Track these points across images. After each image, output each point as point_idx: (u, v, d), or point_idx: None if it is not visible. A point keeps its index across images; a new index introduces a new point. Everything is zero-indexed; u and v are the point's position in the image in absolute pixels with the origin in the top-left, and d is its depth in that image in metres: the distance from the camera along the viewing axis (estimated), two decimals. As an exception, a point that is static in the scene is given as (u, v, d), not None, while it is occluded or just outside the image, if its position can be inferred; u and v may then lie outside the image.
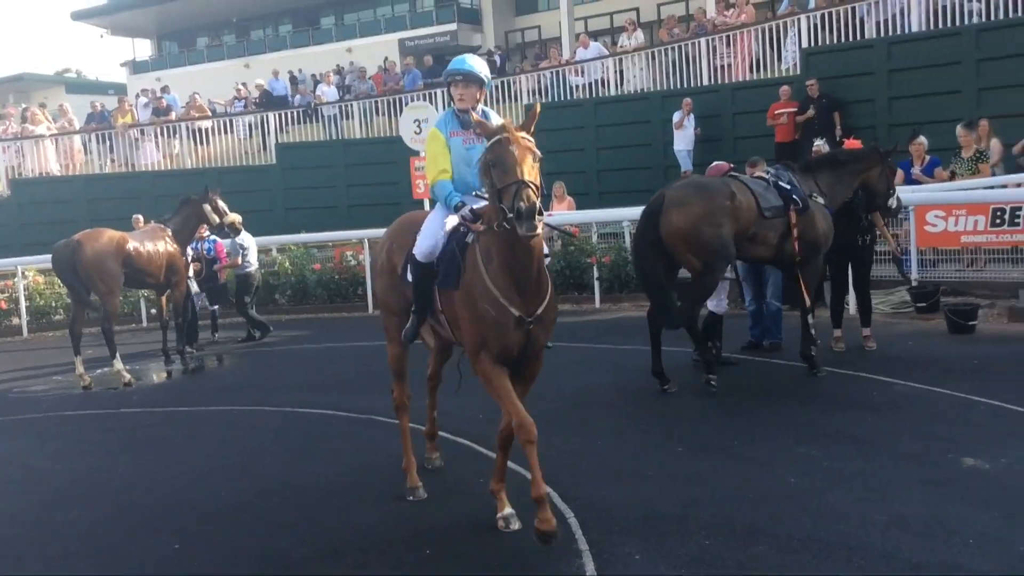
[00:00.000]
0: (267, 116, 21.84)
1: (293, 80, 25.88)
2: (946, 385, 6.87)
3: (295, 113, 22.24)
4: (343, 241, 15.37)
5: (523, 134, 4.28)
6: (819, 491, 4.91)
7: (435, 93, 20.71)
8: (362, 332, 11.91)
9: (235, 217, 11.37)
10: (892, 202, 8.29)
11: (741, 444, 5.84)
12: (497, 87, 20.54)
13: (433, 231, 4.87)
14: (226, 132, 22.04)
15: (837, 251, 8.32)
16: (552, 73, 19.98)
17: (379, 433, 6.84)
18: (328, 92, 22.52)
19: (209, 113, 22.90)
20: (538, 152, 4.26)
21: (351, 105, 21.66)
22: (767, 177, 7.78)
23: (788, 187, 7.56)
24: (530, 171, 4.15)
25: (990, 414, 6.12)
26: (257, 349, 11.72)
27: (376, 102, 21.44)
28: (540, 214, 4.04)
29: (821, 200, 7.78)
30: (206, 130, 21.95)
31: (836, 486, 4.98)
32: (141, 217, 13.60)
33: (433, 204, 5.19)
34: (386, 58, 26.81)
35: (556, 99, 19.54)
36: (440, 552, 4.54)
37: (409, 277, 5.05)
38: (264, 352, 11.44)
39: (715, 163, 8.53)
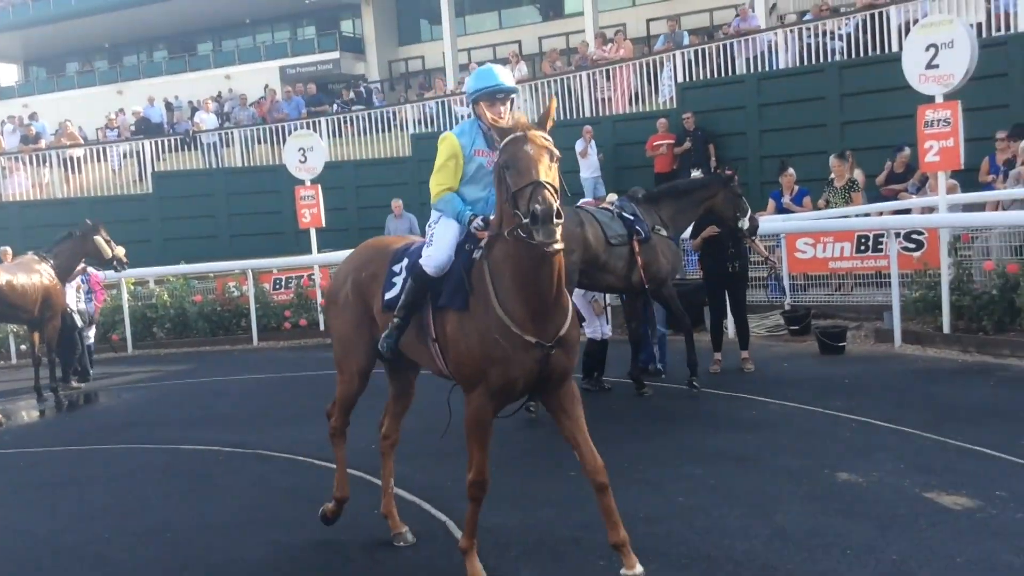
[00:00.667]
0: (143, 144, 21.21)
1: (169, 107, 25.23)
2: (819, 403, 7.22)
3: (172, 141, 21.67)
4: (225, 272, 15.02)
5: (539, 132, 3.87)
6: (706, 509, 5.09)
7: (319, 121, 20.59)
8: (247, 365, 11.68)
9: (122, 250, 10.97)
10: (743, 223, 8.39)
11: (632, 467, 5.98)
12: (379, 116, 20.58)
13: (448, 243, 4.32)
14: (99, 160, 21.27)
15: (712, 278, 8.72)
16: (437, 103, 20.14)
17: (268, 468, 6.72)
18: (207, 119, 22.05)
19: (81, 140, 22.06)
20: (556, 151, 3.85)
21: (232, 133, 21.27)
22: (611, 208, 8.09)
23: (631, 218, 7.86)
24: (547, 172, 3.72)
25: (861, 430, 6.46)
26: (137, 385, 11.30)
27: (258, 130, 21.12)
28: (559, 218, 3.59)
29: (664, 232, 8.04)
30: (78, 158, 21.14)
31: (721, 503, 5.17)
32: (10, 249, 12.97)
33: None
34: (266, 86, 26.45)
35: (442, 129, 19.67)
36: (335, 585, 4.49)
37: (388, 296, 4.52)
38: (144, 388, 11.05)
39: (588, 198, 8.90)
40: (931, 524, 4.63)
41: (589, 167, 16.79)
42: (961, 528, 4.52)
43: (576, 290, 8.20)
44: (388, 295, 4.55)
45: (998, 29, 13.51)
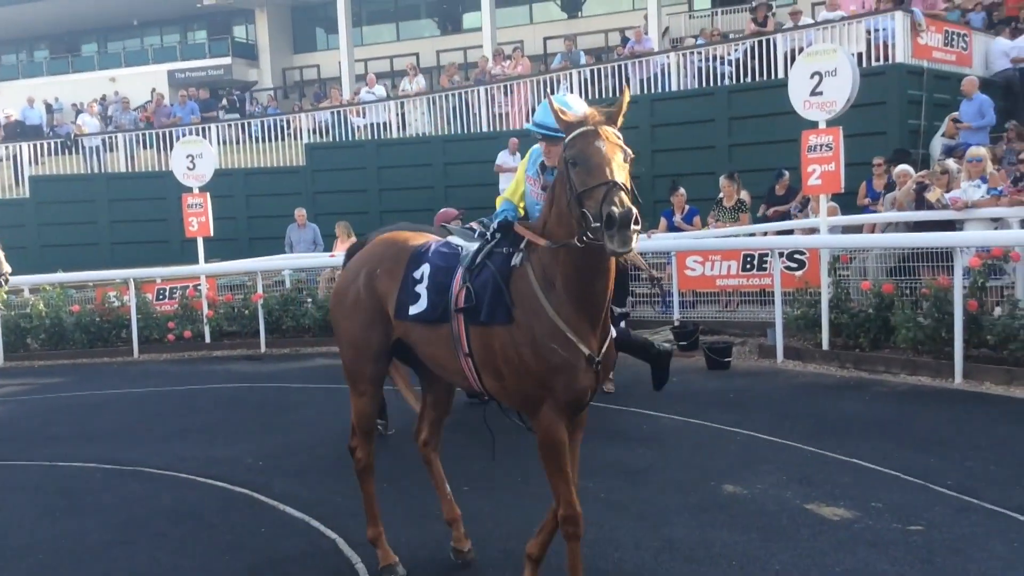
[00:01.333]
0: (20, 147, 20.23)
1: (49, 109, 24.17)
2: (707, 417, 7.39)
3: (52, 144, 20.75)
4: (106, 281, 14.38)
5: (611, 128, 3.52)
6: (597, 522, 5.13)
7: (209, 128, 20.06)
8: (127, 378, 11.22)
9: (9, 268, 10.31)
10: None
11: (524, 482, 5.99)
12: (273, 125, 20.19)
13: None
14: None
15: None
16: (332, 114, 19.90)
17: (150, 486, 6.44)
18: (90, 123, 21.21)
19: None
20: (629, 150, 3.50)
21: (116, 137, 20.51)
22: (476, 227, 8.06)
23: None
24: (622, 172, 3.38)
25: (747, 443, 6.64)
26: (8, 399, 10.70)
27: (143, 135, 20.44)
28: (637, 224, 3.25)
29: None
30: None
31: (612, 516, 5.22)
32: None
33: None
34: (154, 90, 25.64)
35: (337, 139, 19.47)
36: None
37: (414, 311, 4.18)
38: (17, 402, 10.47)
39: (443, 209, 8.87)
40: (812, 535, 4.78)
41: (510, 180, 16.70)
42: (840, 538, 4.68)
43: None
44: (414, 309, 4.17)
45: (877, 59, 14.17)
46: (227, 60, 31.62)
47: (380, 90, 20.78)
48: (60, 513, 5.96)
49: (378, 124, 19.28)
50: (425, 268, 4.21)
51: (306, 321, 12.55)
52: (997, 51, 15.21)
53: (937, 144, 13.30)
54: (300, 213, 15.23)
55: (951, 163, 10.39)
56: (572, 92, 17.17)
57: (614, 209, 3.19)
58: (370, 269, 4.48)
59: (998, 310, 8.42)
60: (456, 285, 4.04)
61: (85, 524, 5.68)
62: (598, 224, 3.27)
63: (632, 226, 3.20)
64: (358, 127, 19.50)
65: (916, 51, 14.11)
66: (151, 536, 5.36)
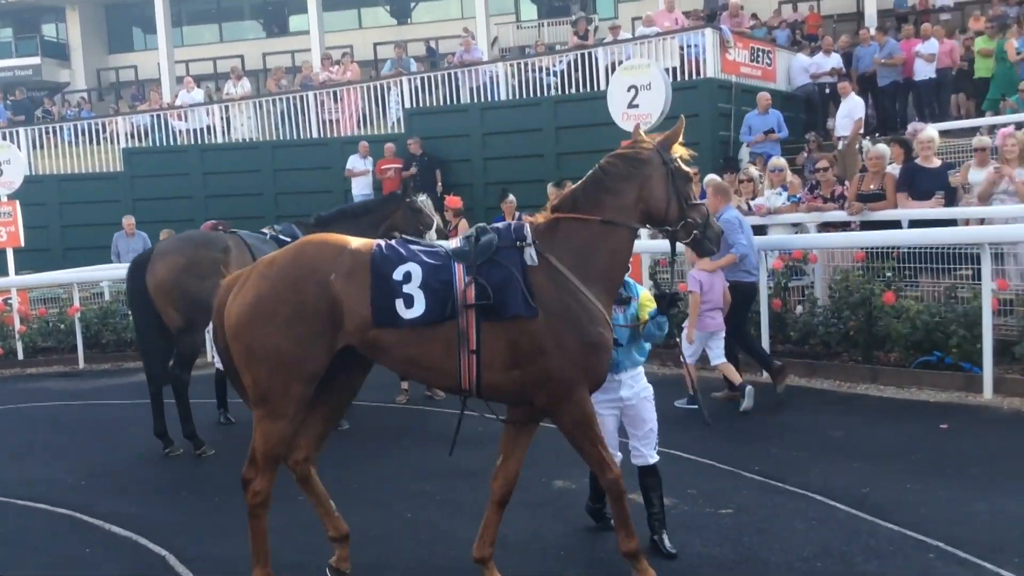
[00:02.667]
0: None
1: None
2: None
3: None
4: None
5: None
6: (434, 523, 5.27)
7: (17, 132, 18.88)
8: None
9: None
10: (430, 236, 8.42)
11: (362, 488, 6.04)
12: (86, 129, 19.20)
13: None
14: None
15: None
16: (152, 117, 19.12)
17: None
18: None
19: None
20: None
21: (-91, 140, 18.92)
22: (267, 232, 8.09)
23: (289, 240, 7.93)
24: None
25: (575, 441, 6.91)
26: None
27: (-58, 138, 18.97)
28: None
29: None
30: None
31: (449, 516, 5.37)
32: None
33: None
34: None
35: (158, 144, 18.73)
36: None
37: (410, 314, 3.98)
38: None
39: (207, 222, 8.91)
40: (634, 522, 5.07)
41: (363, 184, 16.42)
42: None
43: None
44: (409, 312, 3.99)
45: (690, 74, 15.01)
46: (36, 60, 29.78)
47: (199, 93, 20.13)
48: None
49: (201, 128, 18.67)
50: (412, 268, 4.06)
51: (128, 334, 12.02)
52: (798, 67, 16.42)
53: (745, 154, 14.23)
54: (128, 221, 14.53)
55: (754, 170, 11.16)
56: (403, 98, 17.27)
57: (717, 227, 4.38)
58: (320, 277, 4.07)
59: (799, 308, 9.14)
60: (460, 282, 4.03)
61: None
62: (699, 231, 4.20)
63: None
64: (180, 131, 18.82)
65: (725, 66, 15.04)
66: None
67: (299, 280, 4.08)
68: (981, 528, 4.76)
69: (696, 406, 7.10)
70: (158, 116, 19.06)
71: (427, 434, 7.57)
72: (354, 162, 16.58)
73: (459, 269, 4.06)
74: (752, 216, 10.27)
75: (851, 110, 13.55)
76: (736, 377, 7.67)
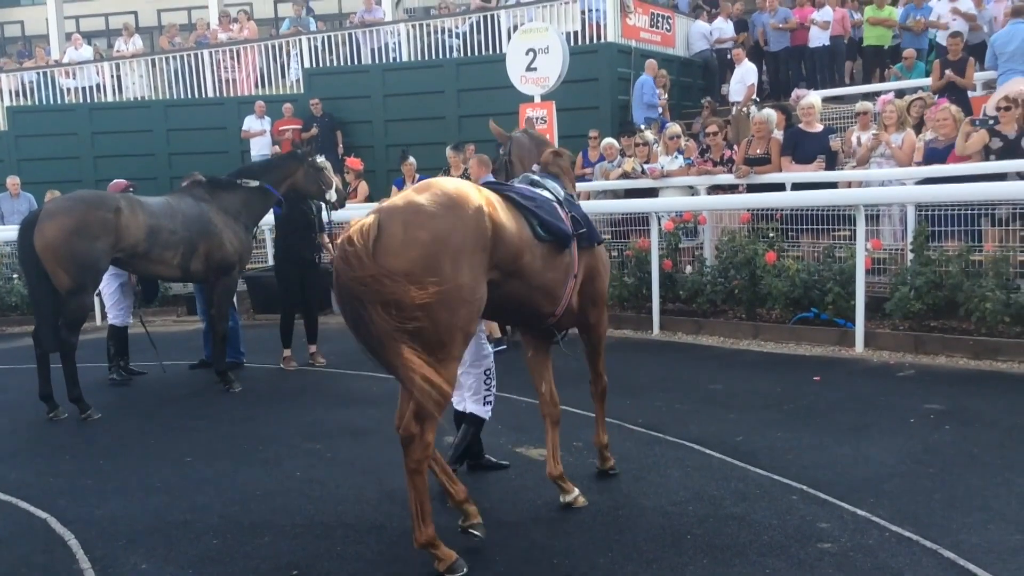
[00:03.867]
0: None
1: None
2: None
3: None
4: None
5: None
6: (322, 480, 5.30)
7: None
8: None
9: None
10: (331, 195, 8.52)
11: (251, 447, 6.04)
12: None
13: None
14: None
15: (284, 265, 8.63)
16: (39, 74, 18.30)
17: None
18: None
19: None
20: None
21: None
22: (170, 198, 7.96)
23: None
24: None
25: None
26: None
27: None
28: None
29: (231, 220, 7.88)
30: None
31: (337, 473, 5.41)
32: None
33: None
34: None
35: (44, 102, 17.95)
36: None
37: (562, 227, 4.43)
38: None
39: (115, 181, 8.82)
40: (519, 475, 5.24)
41: (262, 145, 16.01)
42: (542, 475, 5.11)
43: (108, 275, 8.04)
44: (562, 225, 4.45)
45: (591, 39, 15.13)
46: (-90, 11, 28.11)
47: (88, 50, 19.35)
48: None
49: (91, 87, 17.97)
50: (538, 199, 4.47)
51: (12, 299, 11.61)
52: (696, 33, 16.71)
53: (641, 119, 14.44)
54: (13, 181, 13.92)
55: (649, 134, 11.38)
56: (303, 58, 16.94)
57: None
58: (481, 210, 3.95)
59: (689, 268, 9.42)
60: (564, 215, 4.57)
61: None
62: None
63: None
64: (68, 89, 18.08)
65: (625, 31, 15.20)
66: None
67: (470, 215, 3.91)
68: (843, 472, 5.05)
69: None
70: (44, 73, 18.25)
71: (323, 394, 7.57)
72: (251, 123, 16.21)
73: (556, 204, 4.58)
74: (646, 179, 10.52)
75: (743, 76, 13.90)
76: (497, 332, 8.23)
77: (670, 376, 7.44)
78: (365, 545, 4.38)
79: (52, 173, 15.94)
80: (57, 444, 6.46)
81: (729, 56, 15.98)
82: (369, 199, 13.34)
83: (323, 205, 8.62)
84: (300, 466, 5.60)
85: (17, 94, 18.22)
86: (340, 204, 8.71)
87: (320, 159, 10.23)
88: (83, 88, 17.98)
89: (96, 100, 17.86)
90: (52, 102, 17.95)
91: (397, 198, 4.07)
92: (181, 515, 4.88)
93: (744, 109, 13.10)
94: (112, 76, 18.01)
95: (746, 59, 14.34)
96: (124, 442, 6.43)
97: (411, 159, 13.11)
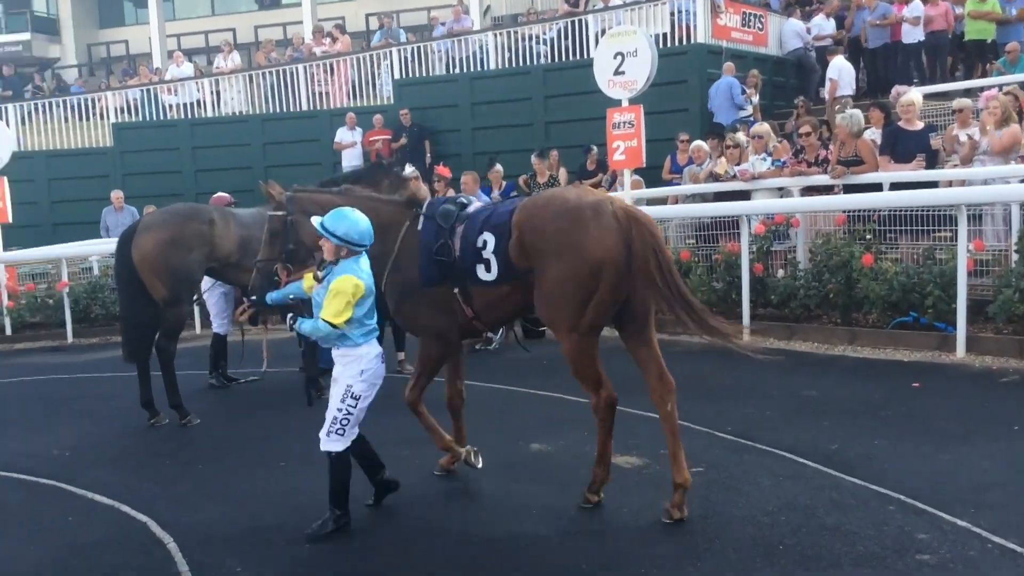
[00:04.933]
0: None
1: None
2: (519, 383, 7.72)
3: None
4: None
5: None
6: (410, 486, 5.33)
7: (5, 108, 18.84)
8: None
9: None
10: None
11: (303, 450, 6.04)
12: (76, 104, 19.14)
13: None
14: None
15: None
16: (143, 91, 19.07)
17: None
18: None
19: None
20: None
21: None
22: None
23: None
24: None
25: (554, 405, 7.01)
26: None
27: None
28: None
29: None
30: None
31: (425, 480, 5.46)
32: None
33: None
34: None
35: (148, 118, 18.69)
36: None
37: None
38: None
39: (217, 194, 9.02)
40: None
41: (353, 156, 16.30)
42: (629, 483, 5.10)
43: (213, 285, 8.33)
44: None
45: (681, 40, 14.95)
46: (26, 36, 29.66)
47: (189, 67, 20.06)
48: None
49: (191, 103, 18.63)
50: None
51: (117, 308, 12.08)
52: (790, 31, 16.31)
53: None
54: (117, 196, 14.55)
55: (741, 136, 11.16)
56: (393, 69, 17.22)
57: None
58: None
59: (781, 272, 9.19)
60: None
61: None
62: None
63: None
64: (170, 106, 18.78)
65: (716, 32, 14.96)
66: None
67: (620, 232, 4.55)
68: (943, 481, 4.84)
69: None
70: (148, 91, 19.01)
71: (402, 403, 7.61)
72: (343, 134, 16.54)
73: None
74: (736, 181, 10.32)
75: (837, 74, 13.53)
76: None
77: (760, 383, 7.26)
78: (453, 551, 4.40)
79: (155, 187, 16.58)
80: (157, 450, 6.68)
81: (827, 55, 15.56)
82: (458, 207, 13.46)
83: None
84: (390, 472, 5.64)
85: (122, 111, 19.01)
86: None
87: (409, 169, 10.36)
88: (184, 104, 18.65)
89: (197, 115, 18.50)
90: (155, 118, 18.67)
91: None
92: (275, 520, 4.98)
93: (839, 107, 12.73)
94: (212, 92, 18.63)
95: (839, 56, 13.94)
96: (221, 448, 6.61)
97: (498, 166, 13.20)
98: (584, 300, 4.57)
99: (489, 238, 4.89)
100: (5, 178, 13.08)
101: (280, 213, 5.42)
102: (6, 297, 12.52)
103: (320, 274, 4.62)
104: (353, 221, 4.55)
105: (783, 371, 7.62)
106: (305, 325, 4.60)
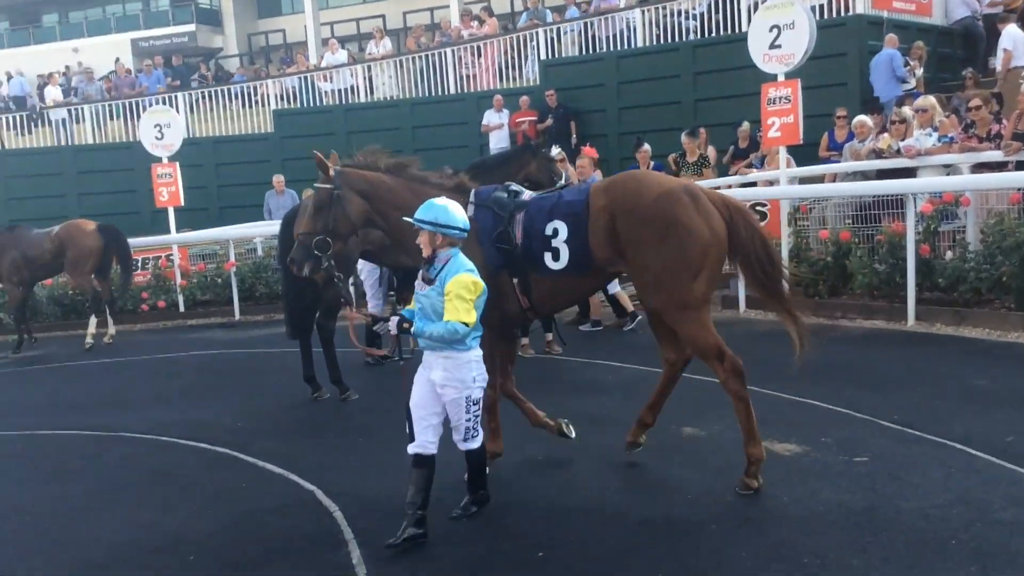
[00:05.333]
0: (-15, 120, 20.09)
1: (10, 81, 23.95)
2: (670, 366, 7.62)
3: (17, 118, 20.56)
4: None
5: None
6: (564, 465, 5.39)
7: (176, 96, 19.96)
8: (102, 349, 11.34)
9: None
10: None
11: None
12: (239, 93, 20.08)
13: None
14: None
15: None
16: (300, 79, 19.84)
17: (132, 450, 6.62)
18: (55, 94, 21.04)
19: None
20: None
21: (82, 109, 20.35)
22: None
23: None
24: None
25: (706, 389, 6.83)
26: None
27: (110, 106, 20.30)
28: None
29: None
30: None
31: (576, 460, 5.48)
32: None
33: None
34: (117, 59, 25.38)
35: (304, 105, 19.44)
36: (204, 556, 4.55)
37: None
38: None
39: None
40: (763, 469, 5.05)
41: (500, 138, 16.47)
42: (789, 471, 4.96)
43: (366, 267, 8.54)
44: None
45: (838, 11, 14.33)
46: (191, 27, 31.33)
47: (343, 55, 20.71)
48: (43, 478, 6.14)
49: (345, 89, 19.25)
50: None
51: (280, 287, 12.67)
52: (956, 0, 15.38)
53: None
54: (278, 180, 15.25)
55: (907, 111, 10.62)
56: (539, 51, 17.25)
57: None
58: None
59: (949, 254, 8.71)
60: None
61: (69, 488, 5.86)
62: None
63: None
64: (326, 92, 19.47)
65: (876, 1, 14.25)
66: (135, 496, 5.56)
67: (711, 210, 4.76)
68: None
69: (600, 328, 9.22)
70: (305, 78, 19.77)
71: (561, 381, 7.70)
72: (490, 116, 16.70)
73: None
74: (900, 158, 9.84)
75: (1012, 44, 12.65)
76: (629, 305, 8.48)
77: (927, 370, 6.93)
78: (608, 532, 4.40)
79: (312, 171, 17.04)
80: (320, 423, 6.99)
81: (994, 23, 14.60)
82: (604, 188, 13.39)
83: None
84: (542, 450, 5.71)
85: (281, 98, 19.85)
86: None
87: (556, 150, 10.38)
88: (339, 90, 19.29)
89: (351, 101, 19.10)
90: (312, 104, 19.40)
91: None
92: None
93: (1019, 80, 11.91)
94: (365, 78, 19.18)
95: (1014, 24, 13.03)
96: (380, 422, 6.82)
97: (645, 146, 13.02)
98: (693, 278, 4.62)
99: (560, 226, 4.84)
100: (177, 164, 13.90)
101: (328, 186, 5.27)
102: (179, 276, 13.33)
103: (428, 274, 4.40)
104: (442, 207, 4.37)
105: (951, 358, 7.25)
106: (431, 328, 4.30)
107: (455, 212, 4.37)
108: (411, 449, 4.48)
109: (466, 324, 4.26)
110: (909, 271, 8.44)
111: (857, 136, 11.11)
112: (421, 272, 4.45)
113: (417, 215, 4.36)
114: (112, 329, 11.85)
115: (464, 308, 4.26)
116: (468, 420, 4.48)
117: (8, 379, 10.20)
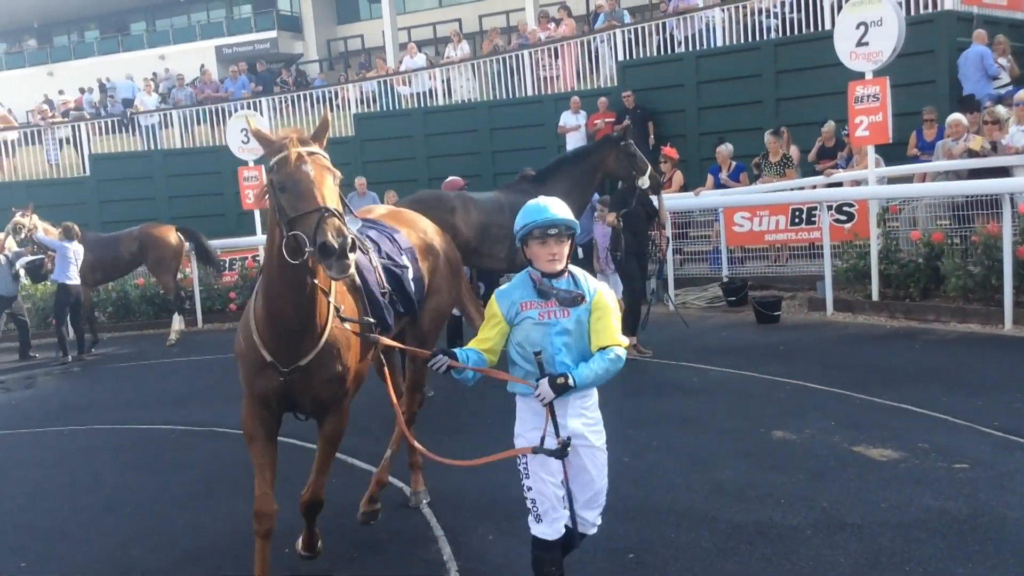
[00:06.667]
0: (79, 126, 20.81)
1: (103, 88, 24.81)
2: (756, 369, 7.54)
3: (109, 123, 21.29)
4: (168, 254, 14.87)
5: (315, 149, 3.53)
6: (650, 467, 5.35)
7: (260, 102, 20.41)
8: (193, 347, 11.67)
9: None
10: (643, 182, 8.37)
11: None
12: (320, 97, 20.45)
13: None
14: (33, 143, 20.85)
15: (637, 261, 8.68)
16: (379, 83, 20.11)
17: (223, 444, 6.79)
18: (146, 101, 21.73)
19: (14, 123, 21.57)
20: (338, 172, 3.56)
21: (171, 114, 20.97)
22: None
23: None
24: (331, 195, 3.40)
25: (795, 392, 6.78)
26: (82, 369, 11.21)
27: (197, 111, 20.87)
28: (353, 252, 3.27)
29: None
30: (12, 141, 20.68)
31: (664, 461, 5.44)
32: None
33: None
34: (202, 66, 26.09)
35: (384, 109, 19.69)
36: (295, 552, 4.64)
37: None
38: (88, 371, 10.97)
39: (451, 178, 9.18)
40: (858, 475, 4.93)
41: (577, 139, 16.27)
42: (886, 477, 4.84)
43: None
44: None
45: (926, 7, 13.93)
46: (272, 33, 31.99)
47: (421, 58, 20.93)
48: (140, 470, 6.35)
49: (424, 92, 19.44)
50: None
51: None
52: (1053, -8, 14.82)
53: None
54: (360, 182, 15.49)
55: (1001, 109, 10.27)
56: (616, 52, 17.17)
57: (328, 239, 3.18)
58: None
59: (1049, 256, 8.39)
60: None
61: (166, 480, 6.05)
62: (311, 249, 3.25)
63: (349, 255, 3.22)
64: (404, 96, 19.69)
65: (965, -3, 13.84)
66: (230, 488, 5.70)
67: None
68: None
69: None
70: (384, 82, 20.03)
71: (646, 383, 7.63)
72: (567, 118, 16.66)
73: None
74: (997, 157, 9.53)
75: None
76: None
77: (1028, 375, 6.70)
78: (698, 535, 4.36)
79: (392, 173, 17.46)
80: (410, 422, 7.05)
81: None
82: (684, 189, 13.28)
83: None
84: (627, 452, 5.67)
85: (360, 102, 20.14)
86: (654, 191, 8.70)
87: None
88: (417, 94, 19.49)
89: (429, 104, 19.29)
90: (391, 108, 19.65)
91: None
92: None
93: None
94: (443, 81, 19.35)
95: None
96: (461, 422, 6.90)
97: (728, 145, 12.86)
98: None
99: None
100: (263, 166, 14.18)
101: None
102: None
103: (571, 293, 3.40)
104: (557, 202, 3.48)
105: (1054, 364, 6.99)
106: (593, 370, 3.42)
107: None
108: (544, 536, 3.62)
109: (625, 347, 3.44)
110: (1006, 273, 8.16)
111: (951, 135, 10.77)
112: (556, 296, 3.42)
113: (550, 216, 3.36)
114: (179, 326, 12.47)
115: (617, 328, 3.44)
116: (605, 482, 3.68)
117: (102, 376, 10.55)
